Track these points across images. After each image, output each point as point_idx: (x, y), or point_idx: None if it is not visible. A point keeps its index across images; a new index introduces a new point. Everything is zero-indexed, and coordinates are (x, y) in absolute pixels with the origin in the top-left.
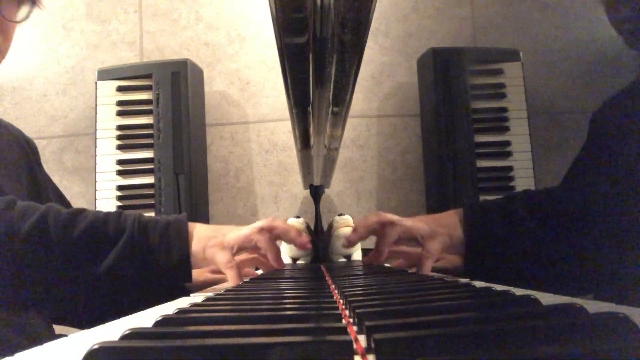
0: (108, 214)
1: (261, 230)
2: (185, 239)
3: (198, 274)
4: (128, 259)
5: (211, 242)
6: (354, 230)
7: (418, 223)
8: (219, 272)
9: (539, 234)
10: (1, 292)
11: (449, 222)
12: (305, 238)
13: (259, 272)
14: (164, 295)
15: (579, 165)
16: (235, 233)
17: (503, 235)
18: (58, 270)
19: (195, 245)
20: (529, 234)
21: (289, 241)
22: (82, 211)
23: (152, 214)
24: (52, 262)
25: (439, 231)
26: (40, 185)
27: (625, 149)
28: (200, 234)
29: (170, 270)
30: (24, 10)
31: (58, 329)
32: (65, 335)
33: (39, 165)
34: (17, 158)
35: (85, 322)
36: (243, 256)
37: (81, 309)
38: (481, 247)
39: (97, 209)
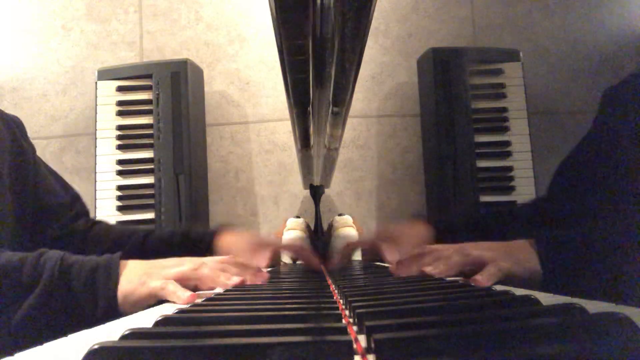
0: (25, 257)
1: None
2: (114, 284)
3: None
4: (45, 308)
5: (142, 279)
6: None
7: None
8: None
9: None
10: None
11: (520, 249)
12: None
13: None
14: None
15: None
16: (175, 269)
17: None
18: None
19: (127, 286)
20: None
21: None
22: None
23: (152, 214)
24: None
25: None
26: (25, 156)
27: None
28: (131, 275)
29: (96, 318)
30: None
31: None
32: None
33: (25, 137)
34: None
35: None
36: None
37: None
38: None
39: (11, 253)
